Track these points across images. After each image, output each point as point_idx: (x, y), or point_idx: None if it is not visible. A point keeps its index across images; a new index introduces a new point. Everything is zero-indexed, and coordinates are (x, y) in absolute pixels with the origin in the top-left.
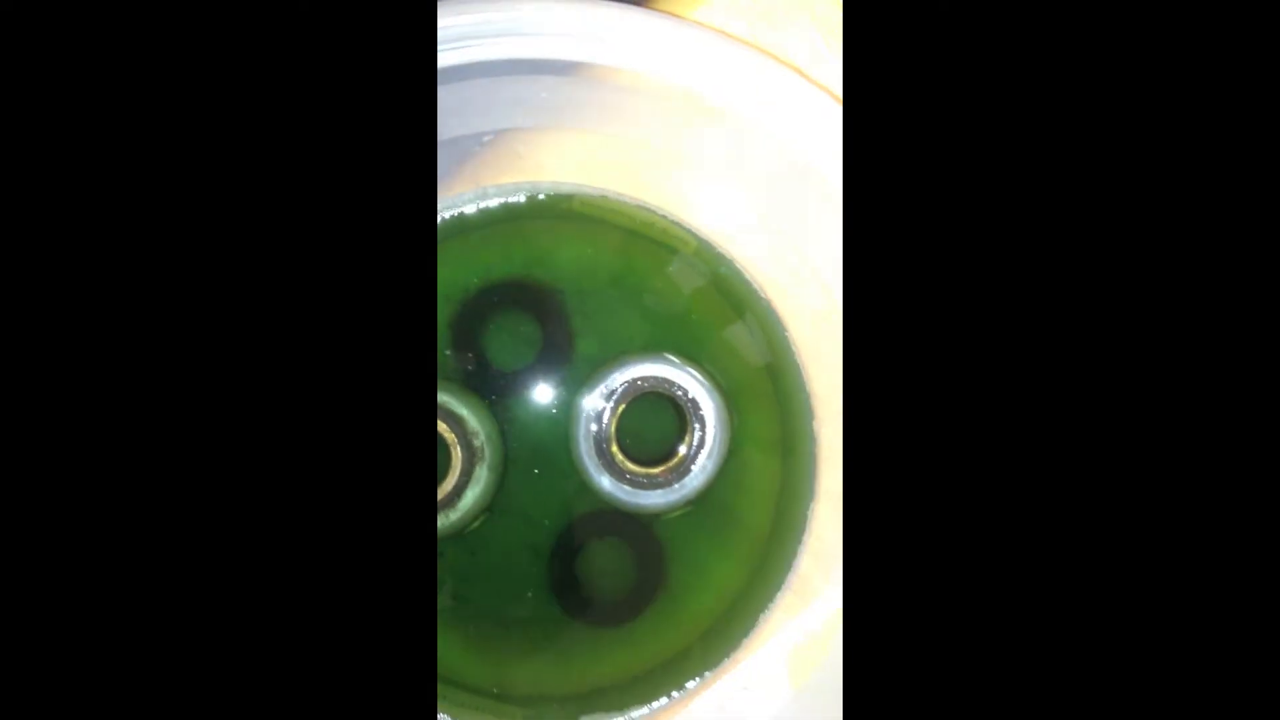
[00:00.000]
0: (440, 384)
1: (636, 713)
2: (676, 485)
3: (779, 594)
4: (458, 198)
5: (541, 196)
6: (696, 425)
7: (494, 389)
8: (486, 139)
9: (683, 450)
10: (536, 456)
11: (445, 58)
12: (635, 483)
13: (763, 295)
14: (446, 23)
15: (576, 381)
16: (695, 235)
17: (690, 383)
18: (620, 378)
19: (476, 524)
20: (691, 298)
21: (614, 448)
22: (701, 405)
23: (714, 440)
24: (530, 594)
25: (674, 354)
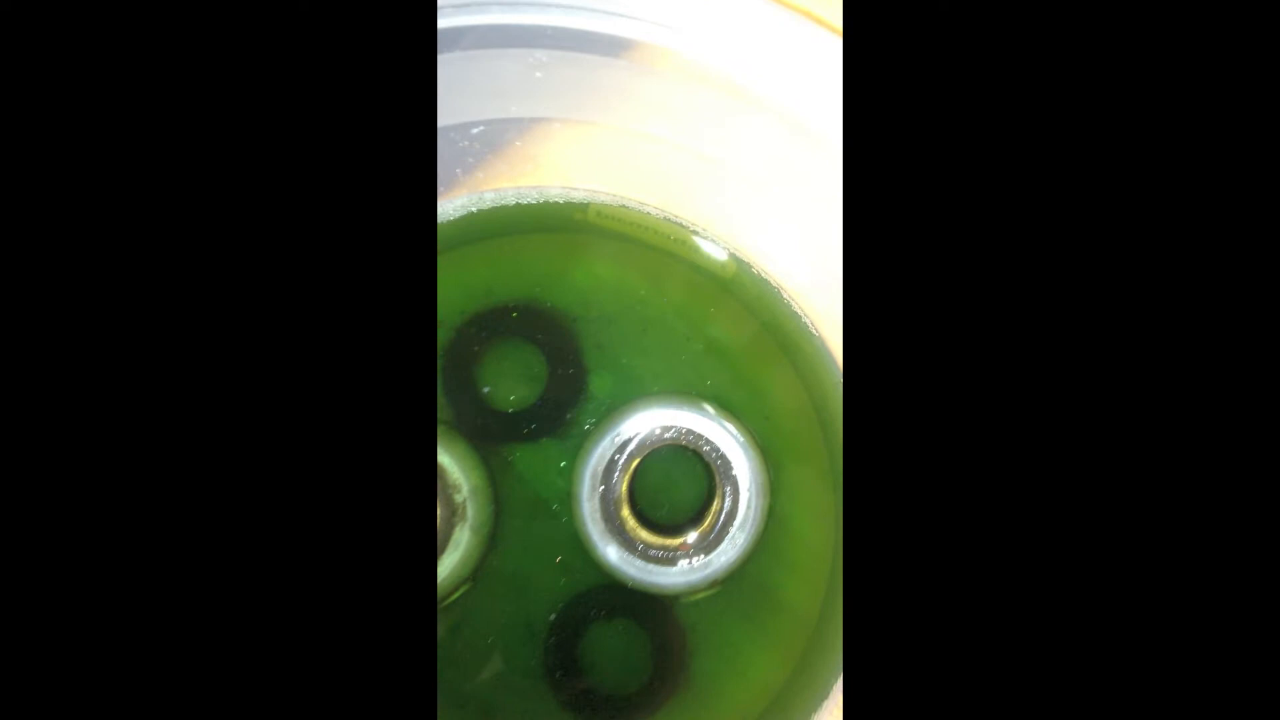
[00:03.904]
0: None
1: None
2: (699, 561)
3: (828, 695)
4: (450, 204)
5: (550, 204)
6: (727, 489)
7: (486, 433)
8: (478, 130)
9: (709, 519)
10: (532, 518)
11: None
12: (649, 556)
13: (814, 331)
14: None
15: (585, 428)
16: (734, 256)
17: (722, 436)
18: (637, 426)
19: (456, 595)
20: (727, 331)
21: (625, 511)
22: (734, 464)
23: (748, 508)
24: (522, 682)
25: (704, 399)
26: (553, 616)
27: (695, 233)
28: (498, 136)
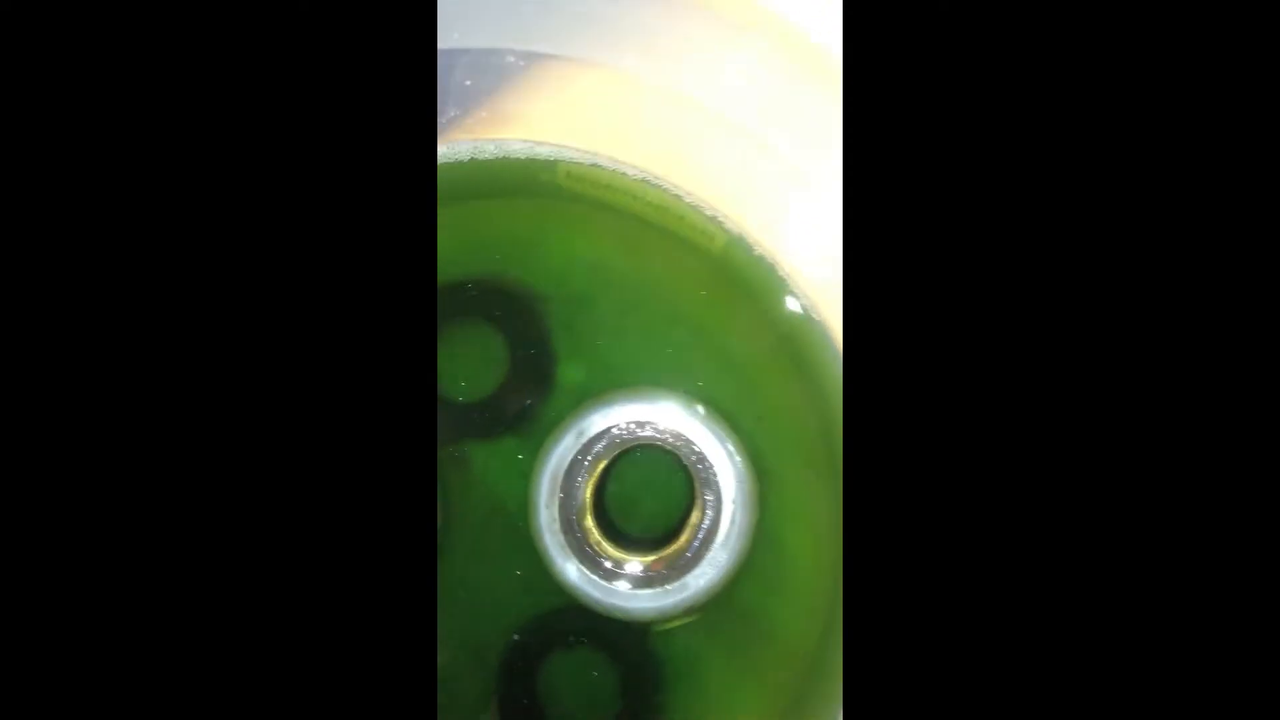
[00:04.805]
0: None
1: None
2: (674, 585)
3: None
4: None
5: (511, 161)
6: (708, 499)
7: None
8: None
9: (686, 534)
10: (483, 526)
11: None
12: (615, 575)
13: (817, 317)
14: None
15: (548, 424)
16: (727, 229)
17: (705, 437)
18: (605, 422)
19: None
20: (718, 317)
21: (589, 522)
22: (718, 471)
23: (732, 522)
24: (474, 716)
25: (687, 394)
26: (507, 641)
27: (679, 198)
28: (448, 78)
